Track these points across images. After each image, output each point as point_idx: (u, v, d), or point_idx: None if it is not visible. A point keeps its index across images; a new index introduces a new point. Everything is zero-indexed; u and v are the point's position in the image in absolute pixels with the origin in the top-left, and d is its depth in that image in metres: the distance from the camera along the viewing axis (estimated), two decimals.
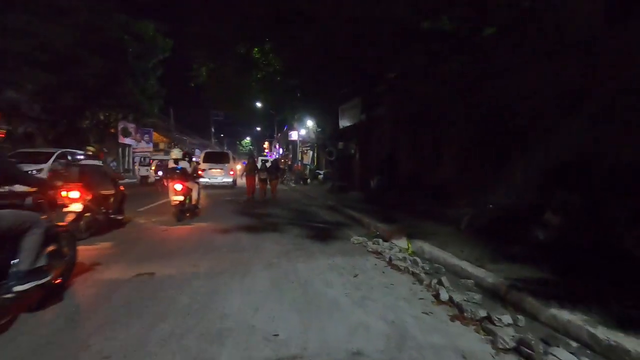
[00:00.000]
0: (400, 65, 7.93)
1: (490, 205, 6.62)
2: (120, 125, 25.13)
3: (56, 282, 3.32)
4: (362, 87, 13.00)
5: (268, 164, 13.12)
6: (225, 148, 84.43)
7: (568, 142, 5.22)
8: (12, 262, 2.68)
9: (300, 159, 27.86)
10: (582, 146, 4.96)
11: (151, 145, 32.00)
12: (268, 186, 13.06)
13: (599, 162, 4.60)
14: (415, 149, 10.17)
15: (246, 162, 13.66)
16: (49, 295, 3.15)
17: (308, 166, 25.30)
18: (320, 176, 21.92)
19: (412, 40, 6.75)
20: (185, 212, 8.12)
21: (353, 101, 13.63)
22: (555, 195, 4.80)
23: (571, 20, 5.39)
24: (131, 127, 27.67)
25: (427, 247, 5.22)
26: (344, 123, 14.88)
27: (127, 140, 27.56)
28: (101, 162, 6.74)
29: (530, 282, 3.67)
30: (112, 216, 6.25)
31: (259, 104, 24.86)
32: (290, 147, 35.49)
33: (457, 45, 6.30)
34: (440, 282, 3.74)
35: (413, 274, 4.28)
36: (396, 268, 4.53)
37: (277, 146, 47.30)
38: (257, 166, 12.99)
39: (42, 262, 2.96)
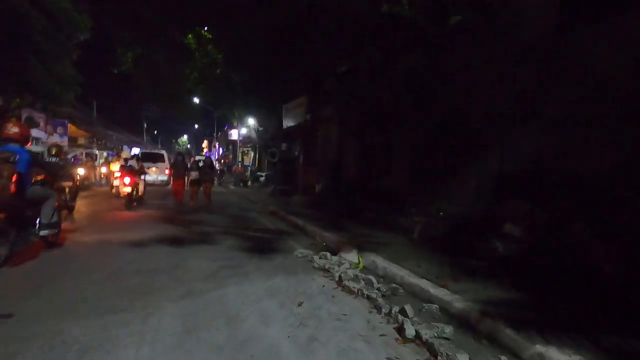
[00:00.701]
0: (352, 59, 7.36)
1: (441, 213, 6.28)
2: (25, 114, 21.31)
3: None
4: (308, 85, 12.31)
5: (200, 163, 11.43)
6: (160, 146, 78.50)
7: (523, 149, 5.00)
8: (38, 218, 4.60)
9: (240, 159, 26.35)
10: (538, 154, 4.73)
11: (65, 139, 27.94)
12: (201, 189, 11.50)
13: (557, 170, 4.37)
14: (363, 152, 9.71)
15: (173, 161, 11.49)
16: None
17: (249, 168, 23.96)
18: (262, 178, 20.76)
19: (367, 30, 6.20)
20: (133, 202, 9.70)
21: (298, 100, 12.87)
22: (516, 206, 4.49)
23: (527, 22, 5.21)
24: (40, 117, 23.76)
25: (381, 262, 4.59)
26: (288, 123, 14.05)
27: (34, 133, 23.57)
28: (61, 160, 7.77)
29: (500, 306, 3.18)
30: (69, 203, 7.30)
31: (196, 100, 22.95)
32: (230, 147, 33.61)
33: (414, 38, 5.89)
34: (403, 312, 3.08)
35: (368, 298, 3.58)
36: (348, 290, 3.80)
37: (217, 146, 44.80)
38: (187, 166, 11.13)
39: (54, 219, 4.82)
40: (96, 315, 2.94)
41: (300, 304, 3.37)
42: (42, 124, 24.35)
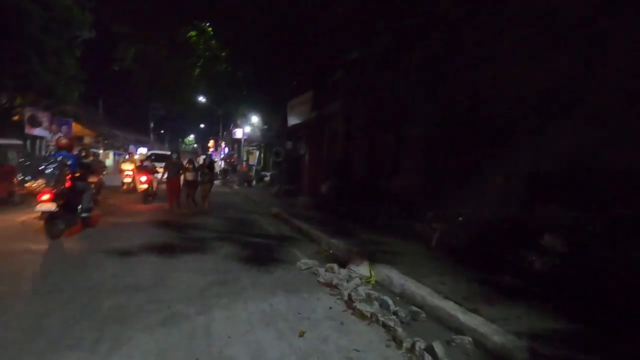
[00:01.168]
0: (362, 46, 6.71)
1: (460, 218, 5.62)
2: (28, 113, 21.04)
3: None
4: (314, 80, 11.70)
5: (200, 161, 10.53)
6: (167, 145, 78.59)
7: (562, 145, 4.32)
8: (80, 205, 6.26)
9: (245, 159, 25.84)
10: (582, 151, 4.06)
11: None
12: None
13: (607, 170, 3.70)
14: (372, 151, 9.06)
15: (167, 160, 10.24)
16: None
17: (253, 167, 23.43)
18: (267, 178, 20.21)
19: (378, 13, 5.57)
20: (149, 196, 10.94)
21: (303, 96, 12.26)
22: (554, 212, 3.83)
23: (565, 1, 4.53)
24: (44, 115, 23.52)
25: (396, 276, 3.97)
26: (292, 120, 13.46)
27: (38, 132, 23.35)
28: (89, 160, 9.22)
29: (553, 342, 2.54)
30: (94, 196, 8.06)
31: (201, 99, 22.47)
32: (235, 146, 33.15)
33: (433, 20, 5.25)
34: (431, 350, 2.45)
35: (384, 325, 2.97)
36: (359, 315, 3.19)
37: (223, 145, 44.41)
38: (182, 165, 9.81)
39: (91, 205, 6.55)
40: (53, 351, 2.37)
41: (302, 334, 2.76)
42: (46, 122, 24.09)
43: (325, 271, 4.32)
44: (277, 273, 4.36)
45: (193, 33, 15.34)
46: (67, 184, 5.74)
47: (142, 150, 58.97)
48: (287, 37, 10.88)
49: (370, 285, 3.95)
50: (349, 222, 7.60)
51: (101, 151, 37.27)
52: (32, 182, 5.95)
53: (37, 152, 24.41)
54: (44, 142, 25.40)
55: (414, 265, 4.43)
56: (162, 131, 77.63)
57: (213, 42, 15.60)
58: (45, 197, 5.38)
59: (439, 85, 6.27)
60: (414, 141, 7.34)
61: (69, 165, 5.77)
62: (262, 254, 5.35)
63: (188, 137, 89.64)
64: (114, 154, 43.80)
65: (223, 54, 14.76)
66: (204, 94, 17.12)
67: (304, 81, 12.30)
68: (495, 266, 4.12)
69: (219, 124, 40.39)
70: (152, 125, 63.30)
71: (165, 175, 9.56)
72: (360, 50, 7.00)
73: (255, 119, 16.24)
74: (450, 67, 5.98)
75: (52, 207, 5.31)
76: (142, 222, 7.57)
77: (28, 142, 24.13)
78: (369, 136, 9.12)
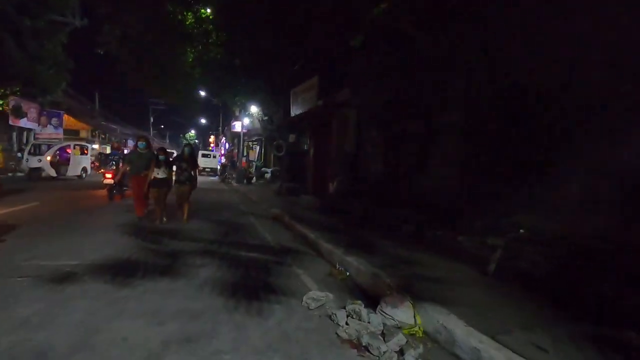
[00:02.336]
0: (378, 16, 5.27)
1: (522, 231, 4.19)
2: (12, 103, 19.65)
3: None
4: (320, 63, 10.24)
5: (183, 150, 7.30)
6: (167, 141, 77.36)
7: None
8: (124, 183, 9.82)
9: (245, 154, 24.41)
10: None
11: (60, 131, 26.25)
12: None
13: None
14: (392, 144, 7.60)
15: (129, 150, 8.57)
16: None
17: (254, 163, 22.02)
18: (268, 175, 18.83)
19: None
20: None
21: (308, 82, 10.82)
22: None
23: None
24: (32, 106, 22.16)
25: (460, 330, 2.54)
26: (296, 110, 12.02)
27: (25, 123, 22.00)
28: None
29: None
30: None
31: (201, 92, 21.05)
32: (235, 141, 31.74)
33: None
34: None
35: None
36: None
37: (224, 140, 43.04)
38: (154, 156, 6.79)
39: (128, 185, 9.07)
40: None
41: None
42: (34, 114, 22.72)
43: (347, 315, 2.90)
44: (273, 318, 2.93)
45: (189, 14, 13.92)
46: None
47: (141, 146, 57.60)
48: (289, 13, 9.42)
49: (420, 346, 2.52)
50: (365, 230, 6.17)
51: (97, 146, 36.00)
52: (102, 168, 10.85)
53: (22, 144, 23.02)
54: (32, 134, 24.05)
55: (477, 305, 3.00)
56: (162, 126, 76.48)
57: (210, 27, 14.17)
58: (109, 176, 9.67)
59: (479, 60, 4.81)
60: (450, 132, 5.88)
61: (117, 159, 10.18)
62: (254, 278, 3.93)
63: (189, 133, 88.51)
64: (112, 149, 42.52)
65: (217, 37, 13.32)
66: (199, 83, 15.62)
67: (308, 65, 10.84)
68: (607, 311, 2.69)
69: (219, 118, 39.06)
70: (152, 120, 62.02)
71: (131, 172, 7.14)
72: (375, 21, 5.56)
73: (254, 108, 14.77)
74: (493, 35, 4.52)
75: (111, 182, 9.41)
76: (108, 225, 6.16)
77: (14, 134, 22.87)
78: (386, 127, 7.66)
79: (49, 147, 17.22)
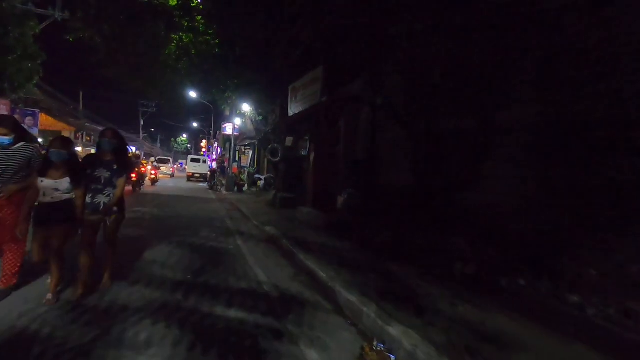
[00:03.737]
0: None
1: None
2: None
3: None
4: (325, 51, 8.58)
5: (100, 144, 3.52)
6: (159, 145, 75.23)
7: None
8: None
9: (237, 159, 22.56)
10: None
11: (36, 130, 24.10)
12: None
13: None
14: (421, 148, 5.90)
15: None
16: None
17: (246, 169, 20.18)
18: (261, 182, 17.00)
19: None
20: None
21: (311, 74, 9.13)
22: None
23: None
24: (2, 103, 20.09)
25: None
26: (295, 109, 10.31)
27: None
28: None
29: None
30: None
31: (188, 91, 19.22)
32: (227, 145, 29.87)
33: None
34: None
35: None
36: None
37: (216, 145, 41.09)
38: (42, 159, 3.27)
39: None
40: None
41: None
42: (4, 111, 20.66)
43: None
44: None
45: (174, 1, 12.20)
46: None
47: (131, 149, 55.53)
48: None
49: None
50: (396, 265, 4.42)
51: (80, 148, 33.73)
52: None
53: None
54: None
55: None
56: (153, 130, 74.41)
57: (198, 17, 12.48)
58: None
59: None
60: (520, 130, 4.18)
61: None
62: None
63: (180, 137, 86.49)
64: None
65: (205, 25, 11.61)
66: (185, 78, 13.81)
67: (311, 54, 9.16)
68: None
69: (211, 122, 37.15)
70: (142, 122, 59.94)
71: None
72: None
73: (246, 107, 12.99)
74: None
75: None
76: None
77: None
78: (415, 126, 5.96)
79: None
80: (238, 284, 3.97)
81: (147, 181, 17.71)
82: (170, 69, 13.17)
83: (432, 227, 5.03)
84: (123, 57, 11.87)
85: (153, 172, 19.02)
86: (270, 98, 11.96)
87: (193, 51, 11.55)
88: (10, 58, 14.89)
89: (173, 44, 12.02)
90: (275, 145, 11.93)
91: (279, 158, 11.89)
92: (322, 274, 4.11)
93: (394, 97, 6.59)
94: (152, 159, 26.79)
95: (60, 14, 19.12)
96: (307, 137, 11.86)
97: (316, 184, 10.06)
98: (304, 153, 12.51)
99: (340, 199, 7.32)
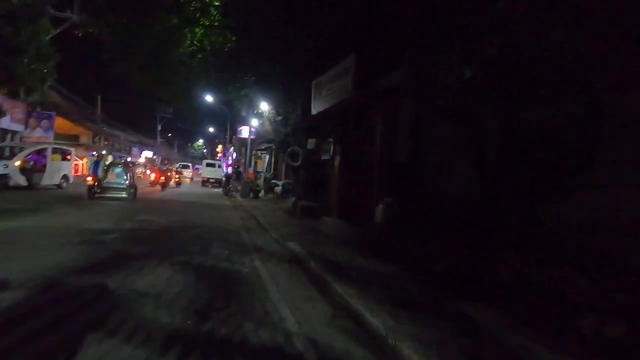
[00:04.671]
0: None
1: None
2: None
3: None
4: (356, 37, 7.44)
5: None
6: (175, 150, 75.74)
7: None
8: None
9: (253, 164, 21.61)
10: None
11: (51, 134, 23.88)
12: None
13: None
14: (485, 147, 4.65)
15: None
16: None
17: (262, 174, 19.17)
18: (278, 188, 15.92)
19: None
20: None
21: (340, 65, 8.00)
22: None
23: None
24: (18, 106, 19.77)
25: None
26: (320, 106, 9.19)
27: (9, 125, 19.49)
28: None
29: None
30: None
31: (202, 92, 18.46)
32: (243, 150, 29.03)
33: None
34: None
35: None
36: None
37: (232, 150, 40.44)
38: None
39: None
40: None
41: None
42: (20, 114, 20.32)
43: None
44: None
45: None
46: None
47: (148, 154, 55.73)
48: None
49: None
50: (476, 308, 3.17)
51: (94, 153, 33.46)
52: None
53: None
54: (18, 136, 21.57)
55: None
56: (170, 135, 75.08)
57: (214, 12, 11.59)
58: (153, 175, 18.78)
59: None
60: None
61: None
62: None
63: (197, 142, 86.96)
64: (114, 156, 39.92)
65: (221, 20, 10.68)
66: (199, 75, 12.88)
67: (338, 43, 8.03)
68: None
69: (227, 126, 36.52)
70: (159, 127, 60.22)
71: None
72: None
73: (264, 106, 11.90)
74: None
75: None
76: None
77: None
78: (482, 119, 4.70)
79: (14, 148, 14.65)
80: (258, 336, 2.79)
81: (172, 183, 21.40)
82: (184, 66, 12.30)
83: (510, 253, 3.75)
84: (133, 52, 11.06)
85: (177, 176, 23.31)
86: (290, 96, 10.89)
87: (207, 45, 10.66)
88: (22, 59, 14.35)
89: (187, 42, 11.16)
90: (296, 148, 10.83)
91: (299, 162, 10.77)
92: (375, 321, 2.90)
93: (447, 87, 5.35)
94: (177, 165, 32.49)
95: (79, 17, 18.75)
96: (330, 140, 10.71)
97: (342, 192, 8.87)
98: (325, 157, 11.37)
99: (378, 210, 6.09)
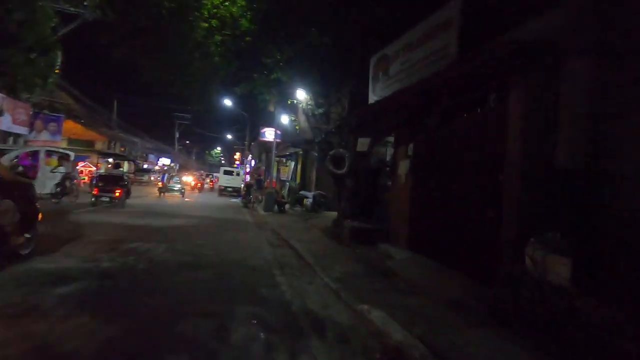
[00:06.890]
0: None
1: None
2: None
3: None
4: None
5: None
6: (193, 158, 74.86)
7: None
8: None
9: (275, 171, 19.08)
10: None
11: (59, 138, 22.13)
12: None
13: None
14: None
15: None
16: None
17: (287, 183, 16.60)
18: (308, 200, 13.29)
19: None
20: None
21: (426, 22, 5.33)
22: None
23: None
24: (21, 107, 17.95)
25: None
26: (382, 90, 6.57)
27: (9, 126, 17.56)
28: None
29: None
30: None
31: (227, 101, 16.20)
32: (263, 156, 26.63)
33: None
34: None
35: None
36: None
37: (250, 157, 38.18)
38: None
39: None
40: None
41: None
42: (23, 116, 18.56)
43: None
44: None
45: None
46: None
47: (165, 161, 54.38)
48: None
49: None
50: None
51: (110, 160, 31.64)
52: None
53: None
54: (22, 140, 19.75)
55: None
56: (188, 142, 74.28)
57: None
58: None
59: None
60: None
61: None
62: None
63: (215, 149, 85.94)
64: (133, 162, 38.24)
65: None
66: (215, 58, 10.38)
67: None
68: None
69: (245, 133, 34.34)
70: (177, 135, 59.06)
71: None
72: None
73: (301, 95, 9.23)
74: None
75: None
76: None
77: None
78: None
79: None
80: None
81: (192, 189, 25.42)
82: (198, 51, 9.93)
83: None
84: (137, 33, 8.78)
85: (199, 184, 29.70)
86: (336, 80, 8.26)
87: (229, 17, 8.27)
88: (15, 49, 12.27)
89: (204, 12, 8.79)
90: (341, 150, 8.17)
91: (345, 169, 8.09)
92: None
93: None
94: (203, 173, 41.41)
95: (93, 13, 16.67)
96: (389, 139, 8.03)
97: (414, 210, 6.14)
98: (387, 158, 8.69)
99: (533, 253, 3.32)
